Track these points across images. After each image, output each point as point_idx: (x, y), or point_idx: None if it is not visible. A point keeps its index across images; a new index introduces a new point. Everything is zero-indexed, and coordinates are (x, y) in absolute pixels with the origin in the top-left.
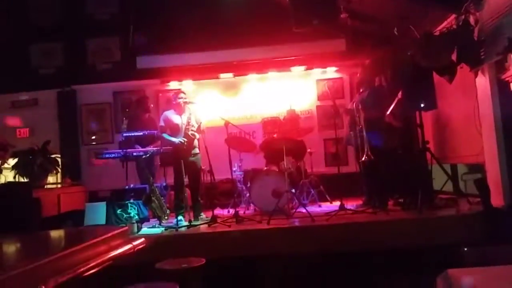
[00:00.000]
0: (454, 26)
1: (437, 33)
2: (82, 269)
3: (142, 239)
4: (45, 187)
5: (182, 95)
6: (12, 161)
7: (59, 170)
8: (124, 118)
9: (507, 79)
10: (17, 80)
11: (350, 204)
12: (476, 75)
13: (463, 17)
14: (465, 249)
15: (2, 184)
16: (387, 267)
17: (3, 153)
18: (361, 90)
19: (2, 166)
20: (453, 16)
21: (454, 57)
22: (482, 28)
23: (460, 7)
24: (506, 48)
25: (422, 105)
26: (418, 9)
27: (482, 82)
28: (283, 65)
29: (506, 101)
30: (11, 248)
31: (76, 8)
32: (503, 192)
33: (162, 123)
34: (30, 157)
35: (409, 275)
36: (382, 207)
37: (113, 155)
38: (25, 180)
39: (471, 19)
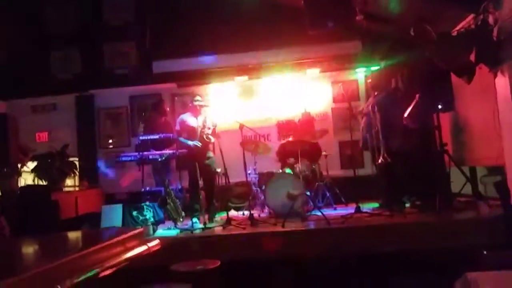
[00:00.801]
0: (472, 26)
1: (454, 33)
2: (98, 270)
3: (157, 241)
4: (63, 189)
5: (198, 97)
6: (31, 165)
7: (77, 173)
8: (141, 122)
9: None
10: (37, 85)
11: (366, 207)
12: (495, 76)
13: (481, 16)
14: (485, 252)
15: (22, 186)
16: (404, 271)
17: (23, 157)
18: (375, 94)
19: (22, 169)
20: (471, 15)
21: (472, 57)
22: (502, 27)
23: (479, 6)
24: None
25: (439, 107)
26: (435, 9)
27: (502, 82)
28: (299, 67)
29: None
30: (29, 249)
31: (93, 14)
32: None
33: (178, 127)
34: (49, 160)
35: (426, 279)
36: (399, 209)
37: (129, 158)
38: (44, 183)
39: (490, 19)
